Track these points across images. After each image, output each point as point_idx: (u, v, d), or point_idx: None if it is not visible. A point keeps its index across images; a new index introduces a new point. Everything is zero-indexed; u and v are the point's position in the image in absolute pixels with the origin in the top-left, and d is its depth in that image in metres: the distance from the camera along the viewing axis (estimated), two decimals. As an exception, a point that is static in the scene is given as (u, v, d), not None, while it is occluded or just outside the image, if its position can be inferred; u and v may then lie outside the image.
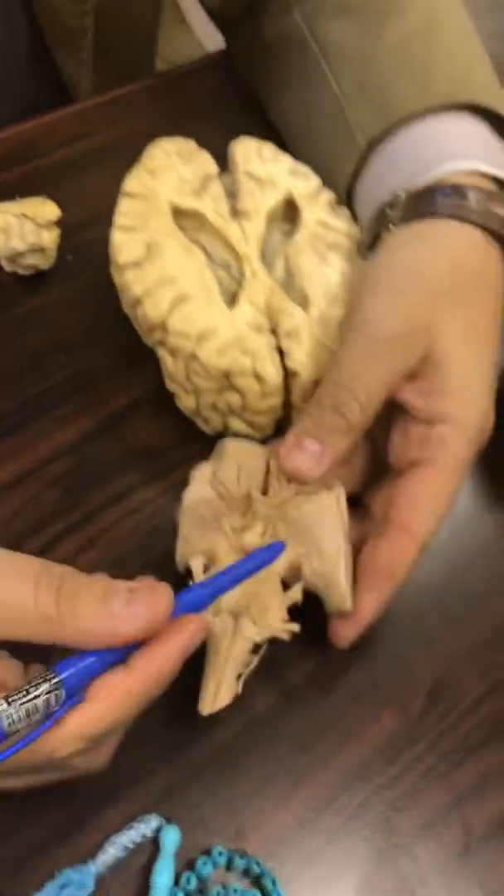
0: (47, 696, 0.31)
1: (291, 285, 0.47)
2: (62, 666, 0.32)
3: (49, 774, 0.34)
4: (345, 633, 0.41)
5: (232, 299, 0.46)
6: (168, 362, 0.45)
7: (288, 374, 0.45)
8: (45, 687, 0.31)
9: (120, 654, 0.33)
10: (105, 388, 0.50)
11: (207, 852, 0.38)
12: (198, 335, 0.44)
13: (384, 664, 0.44)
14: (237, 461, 0.41)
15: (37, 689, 0.31)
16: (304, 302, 0.47)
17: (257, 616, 0.39)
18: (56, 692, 0.31)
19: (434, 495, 0.41)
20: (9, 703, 0.30)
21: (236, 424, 0.46)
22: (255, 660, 0.39)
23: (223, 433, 0.48)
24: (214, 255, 0.48)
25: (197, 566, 0.40)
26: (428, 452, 0.41)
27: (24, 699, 0.30)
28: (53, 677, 0.31)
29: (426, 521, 0.41)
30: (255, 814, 0.40)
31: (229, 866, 0.38)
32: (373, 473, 0.46)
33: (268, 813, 0.40)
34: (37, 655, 0.34)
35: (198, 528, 0.41)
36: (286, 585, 0.41)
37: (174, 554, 0.43)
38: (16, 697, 0.30)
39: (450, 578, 0.46)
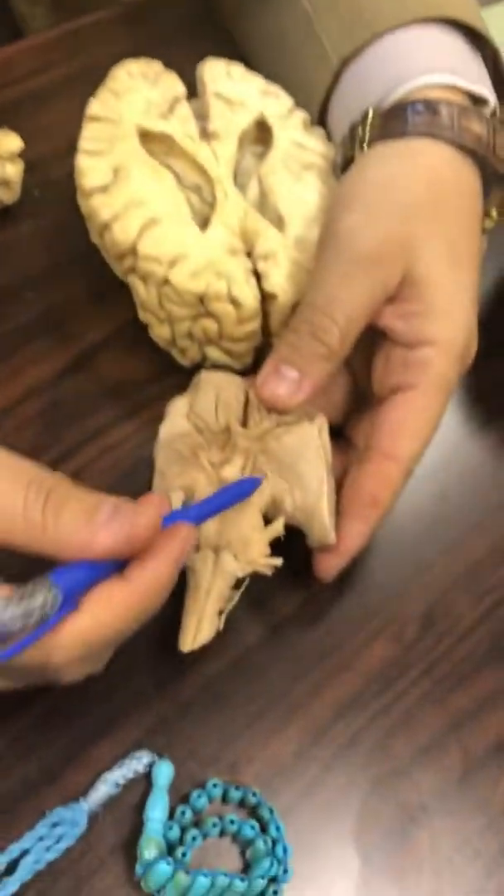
0: (43, 599, 0.30)
1: (266, 207, 0.46)
2: (58, 573, 0.31)
3: (39, 678, 0.34)
4: (329, 566, 0.40)
5: (204, 223, 0.45)
6: (140, 290, 0.43)
7: (265, 298, 0.43)
8: (40, 591, 0.30)
9: (115, 567, 0.32)
10: (77, 323, 0.49)
11: (202, 785, 0.37)
12: (169, 259, 0.42)
13: (376, 593, 0.43)
14: (214, 393, 0.40)
15: (33, 593, 0.30)
16: (279, 223, 0.45)
17: (238, 551, 0.38)
18: (52, 597, 0.30)
19: (417, 419, 0.40)
20: (5, 606, 0.30)
21: (214, 353, 0.44)
22: (237, 595, 0.38)
23: (200, 364, 0.46)
24: (185, 178, 0.46)
25: (176, 502, 0.39)
26: (410, 376, 0.39)
27: (20, 602, 0.30)
28: (49, 582, 0.31)
29: (410, 445, 0.39)
30: (249, 745, 0.39)
31: (225, 798, 0.37)
32: (353, 404, 0.45)
33: (262, 744, 0.39)
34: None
35: (175, 464, 0.40)
36: (268, 520, 0.39)
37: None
38: (12, 600, 0.30)
39: (441, 504, 0.45)
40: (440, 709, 0.40)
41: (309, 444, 0.39)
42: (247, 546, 0.38)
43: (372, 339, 0.41)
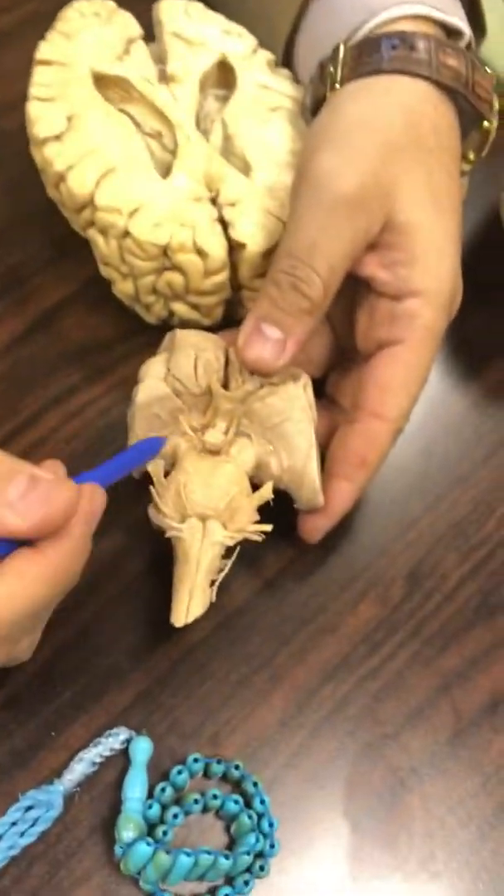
0: None
1: (231, 152, 0.43)
2: None
3: None
4: (315, 527, 0.38)
5: (166, 171, 0.42)
6: (100, 244, 0.41)
7: (233, 248, 0.40)
8: None
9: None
10: (35, 283, 0.46)
11: (182, 761, 0.35)
12: (129, 209, 0.40)
13: (360, 552, 0.41)
14: (193, 353, 0.37)
15: None
16: (245, 169, 0.42)
17: (227, 518, 0.36)
18: None
19: (406, 375, 0.38)
20: None
21: (180, 309, 0.42)
22: (228, 564, 0.36)
23: (167, 322, 0.44)
24: (144, 124, 0.43)
25: (156, 470, 0.37)
26: (397, 330, 0.37)
27: None
28: None
29: (399, 403, 0.37)
30: (231, 716, 0.37)
31: (206, 773, 0.35)
32: (333, 359, 0.42)
33: (244, 714, 0.37)
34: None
35: (153, 430, 0.37)
36: (254, 485, 0.37)
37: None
38: None
39: (425, 459, 0.44)
40: (429, 670, 0.39)
41: (294, 404, 0.37)
42: (235, 513, 0.36)
43: (352, 290, 0.39)
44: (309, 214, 0.36)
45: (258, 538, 0.37)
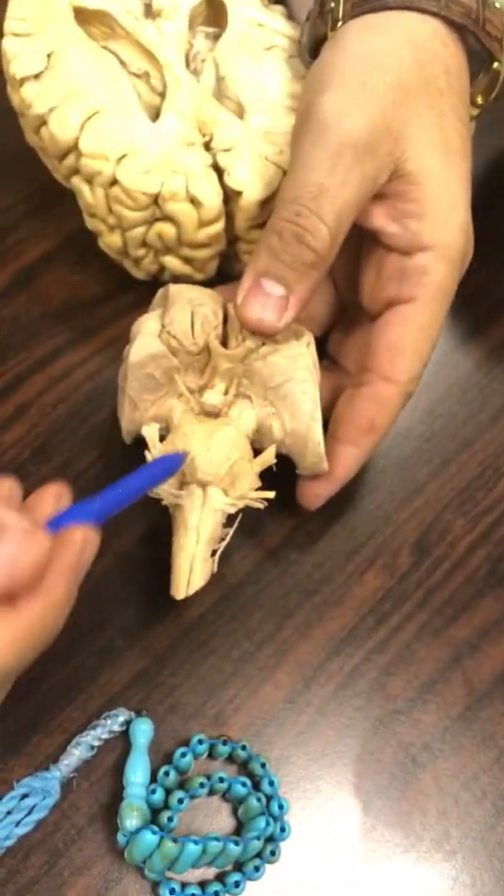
0: None
1: (224, 94, 0.40)
2: None
3: None
4: (317, 493, 0.37)
5: (154, 115, 0.39)
6: (85, 194, 0.38)
7: (228, 196, 0.38)
8: None
9: None
10: (13, 238, 0.43)
11: (185, 742, 0.34)
12: (117, 155, 0.37)
13: (365, 520, 0.39)
14: (189, 307, 0.35)
15: None
16: (240, 112, 0.39)
17: (228, 485, 0.34)
18: None
19: (417, 336, 0.35)
20: None
21: (172, 263, 0.39)
22: (230, 533, 0.34)
23: (157, 277, 0.41)
24: (130, 64, 0.40)
25: (151, 435, 0.35)
26: (407, 288, 0.35)
27: None
28: None
29: (410, 365, 0.35)
30: (235, 694, 0.35)
31: (211, 755, 0.34)
32: (334, 317, 0.40)
33: (249, 691, 0.35)
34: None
35: (147, 391, 0.35)
36: (255, 451, 0.35)
37: (119, 423, 0.37)
38: None
39: (429, 421, 0.41)
40: (440, 641, 0.37)
41: (298, 363, 0.35)
42: (237, 479, 0.34)
43: (356, 244, 0.37)
44: (314, 158, 0.33)
45: (260, 505, 0.34)
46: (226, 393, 0.35)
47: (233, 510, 0.34)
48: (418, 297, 0.35)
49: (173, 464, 0.32)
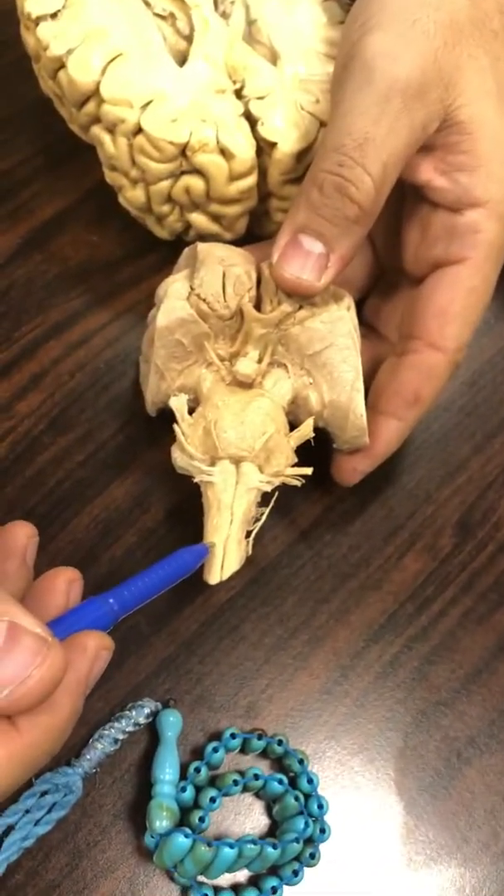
0: None
1: (255, 38, 0.37)
2: None
3: None
4: (355, 468, 0.34)
5: (181, 61, 0.36)
6: (107, 144, 0.35)
7: (261, 148, 0.35)
8: None
9: None
10: (28, 194, 0.40)
11: (217, 736, 0.31)
12: (142, 101, 0.34)
13: (404, 499, 0.36)
14: (220, 268, 0.32)
15: None
16: (272, 58, 0.37)
17: (263, 461, 0.31)
18: None
19: (466, 301, 0.33)
20: None
21: (199, 221, 0.36)
22: (265, 513, 0.32)
23: (182, 237, 0.38)
24: (154, 4, 0.37)
25: (179, 406, 0.32)
26: (456, 248, 0.32)
27: None
28: None
29: (459, 332, 0.33)
30: (267, 684, 0.33)
31: (244, 749, 0.31)
32: (372, 281, 0.37)
33: (282, 681, 0.33)
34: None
35: (175, 360, 0.32)
36: (290, 424, 0.33)
37: (143, 393, 0.34)
38: None
39: (471, 394, 0.39)
40: (485, 628, 0.35)
41: (338, 328, 0.32)
42: (271, 454, 0.31)
43: (398, 201, 0.34)
44: (359, 104, 0.30)
45: (297, 483, 0.32)
46: (259, 361, 0.32)
47: (268, 488, 0.31)
48: (469, 257, 0.32)
49: (199, 556, 0.29)
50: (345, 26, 0.34)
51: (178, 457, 0.32)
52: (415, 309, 0.33)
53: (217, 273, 0.32)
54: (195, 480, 0.31)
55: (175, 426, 0.32)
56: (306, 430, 0.32)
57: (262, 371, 0.32)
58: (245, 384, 0.32)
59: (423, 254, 0.34)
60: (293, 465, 0.32)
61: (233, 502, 0.31)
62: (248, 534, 0.31)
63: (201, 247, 0.33)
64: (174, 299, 0.32)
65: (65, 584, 0.27)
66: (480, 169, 0.32)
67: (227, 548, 0.30)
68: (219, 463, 0.31)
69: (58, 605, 0.26)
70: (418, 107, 0.30)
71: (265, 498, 0.32)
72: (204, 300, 0.32)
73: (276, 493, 0.32)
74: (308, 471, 0.32)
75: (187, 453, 0.31)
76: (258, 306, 0.32)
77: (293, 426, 0.33)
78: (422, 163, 0.32)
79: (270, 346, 0.32)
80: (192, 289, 0.32)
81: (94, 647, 0.24)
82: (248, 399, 0.32)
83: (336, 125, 0.31)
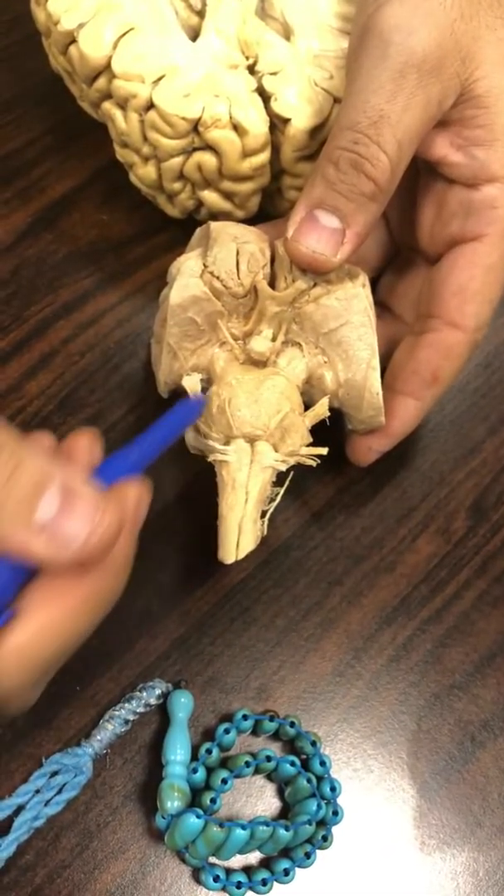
0: None
1: (268, 13, 0.37)
2: None
3: None
4: (371, 447, 0.34)
5: (193, 35, 0.36)
6: (118, 120, 0.35)
7: (274, 124, 0.35)
8: None
9: None
10: (38, 173, 0.40)
11: (228, 717, 0.31)
12: (154, 76, 0.33)
13: (417, 481, 0.36)
14: (234, 246, 0.31)
15: None
16: (286, 33, 0.36)
17: (278, 440, 0.31)
18: None
19: (486, 278, 0.32)
20: None
21: (211, 199, 0.36)
22: (280, 493, 0.31)
23: (193, 216, 0.38)
24: (165, -22, 0.37)
25: (193, 386, 0.32)
26: (474, 224, 0.32)
27: None
28: None
29: (478, 310, 0.32)
30: (279, 666, 0.32)
31: (256, 731, 0.31)
32: (386, 259, 0.37)
33: (294, 663, 0.32)
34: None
35: (188, 338, 0.32)
36: (304, 404, 0.32)
37: (154, 375, 0.34)
38: None
39: (486, 375, 0.38)
40: (499, 611, 0.34)
41: (353, 305, 0.31)
42: (286, 433, 0.31)
43: (412, 177, 0.33)
44: (374, 80, 0.30)
45: (312, 462, 0.31)
46: (273, 339, 0.32)
47: (283, 468, 0.31)
48: (486, 233, 0.32)
49: (196, 408, 0.29)
50: (358, 2, 0.33)
51: (191, 436, 0.31)
52: (432, 287, 0.33)
53: (231, 250, 0.31)
54: (209, 460, 0.31)
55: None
56: (321, 410, 0.32)
57: (276, 349, 0.32)
58: (259, 363, 0.32)
59: (438, 231, 0.33)
60: (308, 445, 0.31)
61: (248, 481, 0.30)
62: (263, 514, 0.31)
63: (214, 225, 0.32)
64: (188, 277, 0.32)
65: (86, 446, 0.26)
66: (497, 143, 0.31)
67: (242, 527, 0.30)
68: (233, 442, 0.30)
69: (85, 465, 0.26)
70: (434, 82, 0.30)
71: (280, 478, 0.31)
72: (217, 278, 0.31)
73: (291, 474, 0.32)
74: (323, 451, 0.31)
75: (201, 432, 0.31)
76: (272, 284, 0.32)
77: (307, 406, 0.32)
78: (437, 138, 0.32)
79: (285, 325, 0.32)
80: (205, 266, 0.31)
81: (135, 495, 0.24)
82: (263, 377, 0.31)
83: (351, 102, 0.30)
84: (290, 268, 0.31)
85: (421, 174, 0.33)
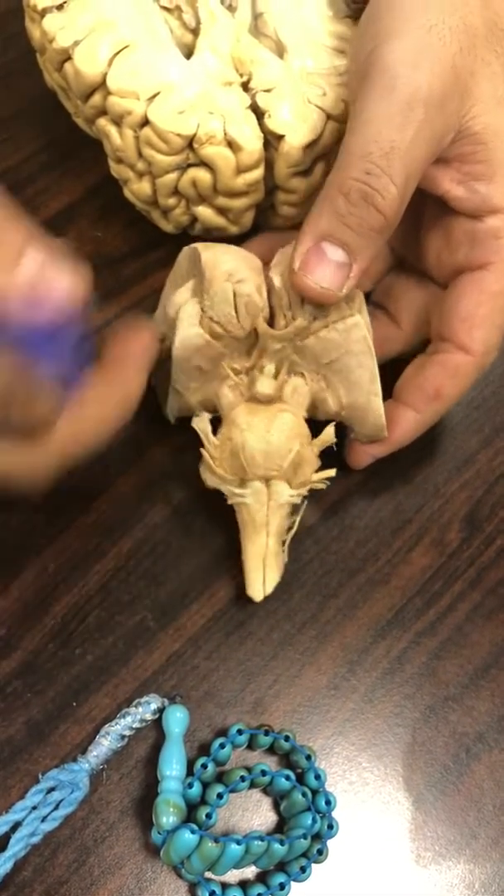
0: None
1: (262, 31, 0.37)
2: None
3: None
4: (368, 452, 0.35)
5: (187, 54, 0.36)
6: (113, 137, 0.35)
7: (268, 141, 0.35)
8: None
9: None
10: (32, 190, 0.40)
11: (223, 731, 0.31)
12: (149, 93, 0.34)
13: (411, 493, 0.36)
14: (230, 287, 0.31)
15: None
16: (279, 50, 0.36)
17: (291, 475, 0.31)
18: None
19: (493, 305, 0.33)
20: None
21: (206, 214, 0.36)
22: (297, 521, 0.32)
23: (187, 231, 0.38)
24: (159, -4, 0.37)
25: (204, 428, 0.32)
26: (479, 254, 0.33)
27: None
28: None
29: (486, 336, 0.33)
30: (275, 680, 0.33)
31: (251, 745, 0.31)
32: (386, 271, 0.37)
33: (290, 677, 0.33)
34: None
35: (192, 380, 0.33)
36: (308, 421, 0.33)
37: (149, 391, 0.34)
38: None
39: (479, 388, 0.39)
40: (494, 623, 0.34)
41: (353, 335, 0.32)
42: (298, 468, 0.32)
43: (416, 205, 0.33)
44: (384, 112, 0.30)
45: (323, 486, 0.33)
46: (276, 374, 0.32)
47: (298, 500, 0.32)
48: (492, 262, 0.33)
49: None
50: (356, 37, 0.33)
51: (207, 478, 0.32)
52: (443, 313, 0.34)
53: (227, 293, 0.31)
54: (228, 502, 0.32)
55: (202, 450, 0.32)
56: (328, 437, 0.33)
57: (280, 385, 0.32)
58: (265, 400, 0.32)
59: (446, 259, 0.34)
60: (317, 469, 0.32)
61: (267, 520, 0.31)
62: (283, 543, 0.31)
63: (205, 257, 0.31)
64: (188, 326, 0.31)
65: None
66: (497, 177, 0.32)
67: (266, 563, 0.31)
68: (249, 484, 0.31)
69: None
70: (438, 117, 0.30)
71: (297, 508, 0.32)
72: (217, 323, 0.31)
73: (305, 503, 0.33)
74: (332, 472, 0.33)
75: (217, 475, 0.31)
76: (271, 316, 0.32)
77: (309, 423, 0.33)
78: (438, 174, 0.32)
79: (286, 359, 0.32)
80: (203, 311, 0.31)
81: (146, 336, 0.29)
82: (271, 417, 0.32)
83: (360, 132, 0.30)
84: (288, 304, 0.31)
85: (427, 203, 0.34)
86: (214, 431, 0.32)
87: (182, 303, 0.32)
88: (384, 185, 0.29)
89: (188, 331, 0.31)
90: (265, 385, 0.32)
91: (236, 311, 0.31)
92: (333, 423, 0.33)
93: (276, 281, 0.31)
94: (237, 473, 0.31)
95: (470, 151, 0.32)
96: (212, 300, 0.31)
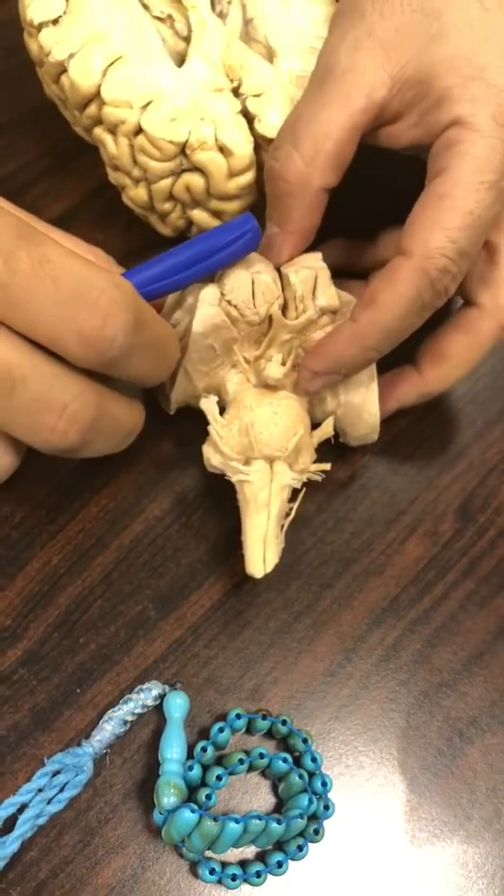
0: None
1: (252, 37, 0.38)
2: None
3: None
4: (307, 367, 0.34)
5: (179, 62, 0.37)
6: (108, 145, 0.36)
7: (259, 144, 0.36)
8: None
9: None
10: (33, 195, 0.41)
11: (223, 717, 0.32)
12: (142, 102, 0.35)
13: (405, 486, 0.37)
14: (249, 275, 0.33)
15: None
16: (269, 56, 0.37)
17: (292, 459, 0.33)
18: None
19: (438, 206, 0.30)
20: None
21: (201, 217, 0.37)
22: (294, 508, 0.33)
23: (184, 234, 0.39)
24: (152, 6, 0.38)
25: (211, 408, 0.33)
26: (434, 165, 0.31)
27: None
28: None
29: (427, 238, 0.30)
30: (272, 667, 0.34)
31: (249, 730, 0.32)
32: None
33: (287, 664, 0.34)
34: None
35: (203, 362, 0.34)
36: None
37: (163, 390, 0.35)
38: None
39: (472, 382, 0.39)
40: (486, 611, 0.35)
41: None
42: (299, 453, 0.33)
43: None
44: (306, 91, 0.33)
45: (318, 478, 0.34)
46: (283, 364, 0.33)
47: (298, 485, 0.33)
48: (445, 168, 0.30)
49: (250, 238, 0.32)
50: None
51: (211, 457, 0.33)
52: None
53: (246, 280, 0.33)
54: (232, 480, 0.32)
55: (210, 428, 0.33)
56: (327, 430, 0.33)
57: (288, 372, 0.33)
58: (271, 386, 0.33)
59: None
60: (314, 461, 0.33)
61: (269, 500, 0.32)
62: (281, 527, 0.32)
63: None
64: (208, 305, 0.33)
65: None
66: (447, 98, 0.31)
67: (266, 543, 0.32)
68: (255, 463, 0.32)
69: None
70: (352, 86, 0.31)
71: (293, 493, 0.33)
72: (235, 307, 0.33)
73: (304, 490, 0.34)
74: (327, 466, 0.33)
75: (223, 453, 0.32)
76: (284, 308, 0.33)
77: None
78: (399, 130, 0.32)
79: (293, 350, 0.33)
80: (222, 294, 0.33)
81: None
82: (278, 401, 0.33)
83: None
84: (300, 297, 0.33)
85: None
86: (220, 415, 0.33)
87: (202, 287, 0.33)
88: (285, 154, 0.32)
89: (208, 308, 0.33)
90: (275, 370, 0.33)
91: (254, 297, 0.33)
92: (332, 418, 0.34)
93: (291, 277, 0.33)
94: (243, 452, 0.32)
95: (412, 94, 0.32)
96: (231, 286, 0.33)
